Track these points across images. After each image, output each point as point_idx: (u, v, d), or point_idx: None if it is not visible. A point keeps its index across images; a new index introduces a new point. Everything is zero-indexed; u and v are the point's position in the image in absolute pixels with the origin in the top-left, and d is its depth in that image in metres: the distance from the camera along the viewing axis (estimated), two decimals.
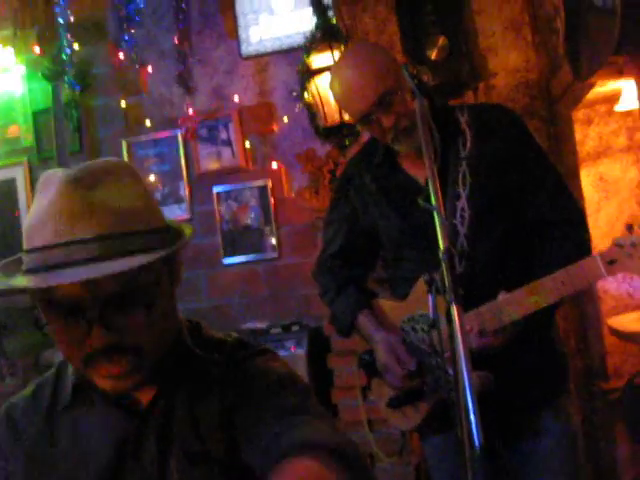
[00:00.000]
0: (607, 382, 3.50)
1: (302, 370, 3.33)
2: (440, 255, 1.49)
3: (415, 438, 2.28)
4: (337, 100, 2.01)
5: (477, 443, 1.26)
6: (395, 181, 2.02)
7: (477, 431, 1.27)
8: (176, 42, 4.23)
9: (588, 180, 3.60)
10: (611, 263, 1.61)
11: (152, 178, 4.36)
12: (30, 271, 1.06)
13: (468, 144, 1.94)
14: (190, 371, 1.23)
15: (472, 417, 1.28)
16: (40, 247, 1.04)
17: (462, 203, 1.91)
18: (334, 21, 3.40)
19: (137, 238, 1.06)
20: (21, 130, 4.48)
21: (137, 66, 4.10)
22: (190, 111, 4.15)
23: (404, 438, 2.18)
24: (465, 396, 1.30)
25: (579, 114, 3.63)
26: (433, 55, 4.00)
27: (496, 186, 1.93)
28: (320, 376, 3.40)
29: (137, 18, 4.07)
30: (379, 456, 2.35)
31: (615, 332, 3.23)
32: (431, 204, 1.57)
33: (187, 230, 1.20)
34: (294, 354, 3.42)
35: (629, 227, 1.61)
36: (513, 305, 1.75)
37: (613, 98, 3.38)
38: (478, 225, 1.90)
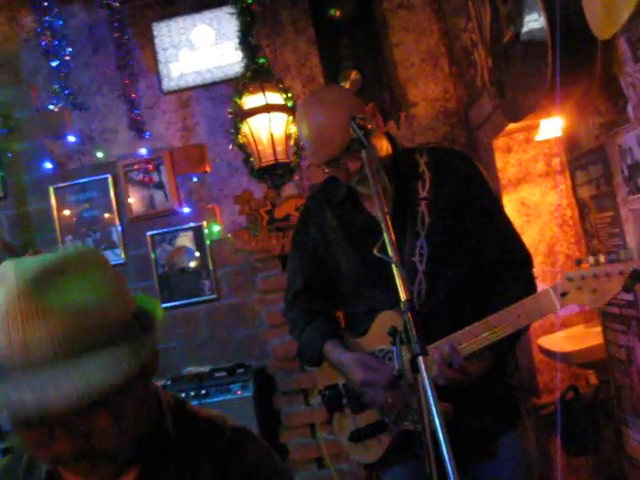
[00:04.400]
0: (539, 398, 3.65)
1: (250, 413, 3.30)
2: (402, 307, 1.51)
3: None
4: (304, 143, 2.04)
5: None
6: (356, 219, 2.06)
7: (453, 475, 1.30)
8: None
9: (511, 206, 3.75)
10: (563, 295, 1.69)
11: (83, 224, 4.25)
12: None
13: (427, 185, 2.00)
14: (175, 466, 1.14)
15: (449, 467, 1.31)
16: None
17: (421, 242, 1.96)
18: (263, 61, 3.41)
19: (95, 334, 1.01)
20: None
21: (61, 108, 3.97)
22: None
23: (368, 472, 2.18)
24: (434, 439, 1.32)
25: (499, 142, 3.79)
26: (346, 88, 4.11)
27: (453, 226, 1.98)
28: (267, 416, 3.38)
29: (55, 59, 3.94)
30: None
31: (544, 351, 3.38)
32: (387, 255, 1.60)
33: (157, 311, 1.15)
34: (241, 397, 3.39)
35: (578, 261, 1.70)
36: (470, 338, 1.80)
37: (531, 127, 3.55)
38: (436, 263, 1.95)
